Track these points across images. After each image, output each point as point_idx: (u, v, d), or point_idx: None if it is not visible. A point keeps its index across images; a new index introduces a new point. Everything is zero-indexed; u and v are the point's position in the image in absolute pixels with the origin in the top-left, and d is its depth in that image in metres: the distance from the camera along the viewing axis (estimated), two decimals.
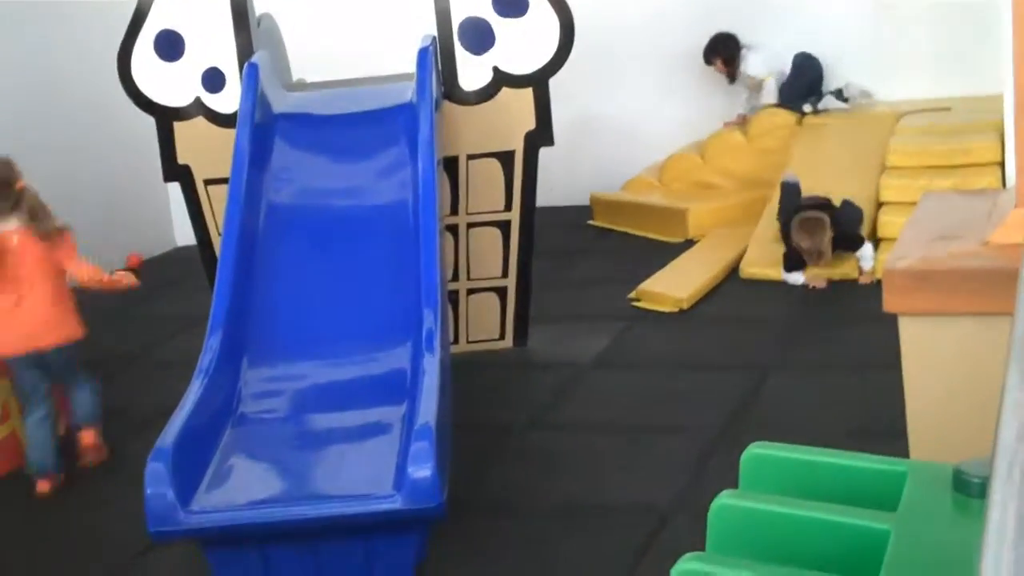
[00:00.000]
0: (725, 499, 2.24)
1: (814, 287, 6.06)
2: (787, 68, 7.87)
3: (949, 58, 7.66)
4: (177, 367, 4.72)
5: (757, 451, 2.41)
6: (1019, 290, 2.13)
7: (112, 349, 6.15)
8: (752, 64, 7.91)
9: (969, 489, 2.14)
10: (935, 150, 6.52)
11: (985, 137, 6.46)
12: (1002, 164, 6.27)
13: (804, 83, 7.82)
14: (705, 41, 8.00)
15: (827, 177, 6.63)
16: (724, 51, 7.95)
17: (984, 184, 6.12)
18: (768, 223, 6.67)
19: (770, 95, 7.88)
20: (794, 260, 6.12)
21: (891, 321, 3.08)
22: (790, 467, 2.36)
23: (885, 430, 3.52)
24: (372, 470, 3.60)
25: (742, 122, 7.97)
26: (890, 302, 3.01)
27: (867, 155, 6.84)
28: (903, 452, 3.08)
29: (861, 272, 6.09)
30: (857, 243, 6.10)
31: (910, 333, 2.99)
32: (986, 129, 6.54)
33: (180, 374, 4.18)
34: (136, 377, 5.78)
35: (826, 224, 6.03)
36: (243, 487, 3.64)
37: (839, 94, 7.81)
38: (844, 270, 6.13)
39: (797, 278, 6.13)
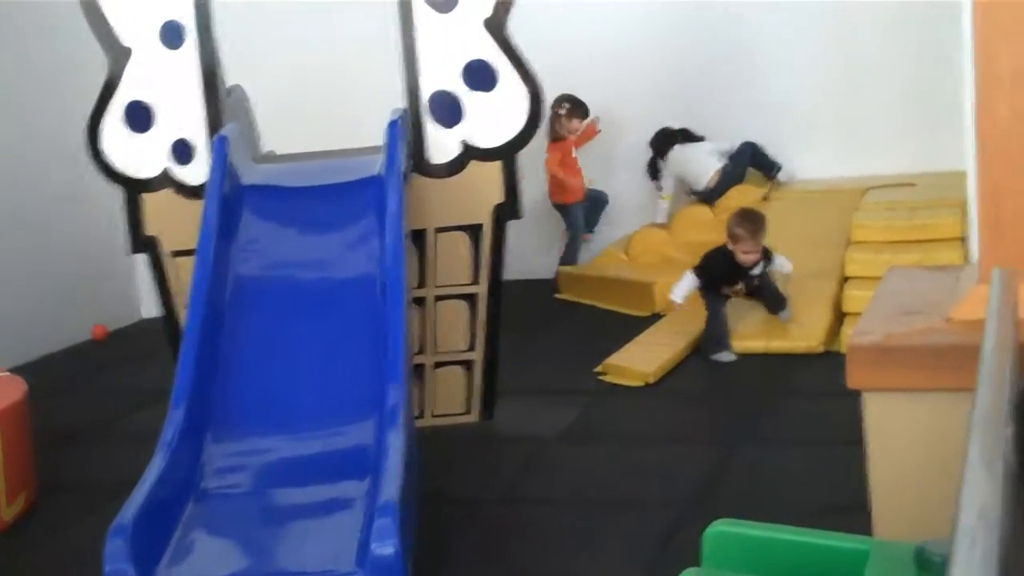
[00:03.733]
0: None
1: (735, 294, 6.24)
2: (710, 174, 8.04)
3: (913, 135, 7.76)
4: (139, 441, 4.67)
5: (720, 529, 2.40)
6: (980, 367, 2.14)
7: (74, 421, 6.09)
8: (663, 179, 8.25)
9: (931, 568, 2.13)
10: (899, 225, 6.58)
11: (949, 213, 6.53)
12: (965, 239, 6.33)
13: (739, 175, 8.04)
14: (670, 116, 8.13)
15: (792, 251, 6.67)
16: (655, 144, 8.24)
17: (948, 259, 6.17)
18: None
19: (661, 215, 8.22)
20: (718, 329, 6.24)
21: (857, 395, 3.08)
22: (753, 545, 2.35)
23: (851, 505, 3.50)
24: (335, 546, 3.57)
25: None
26: (853, 378, 3.02)
27: (832, 230, 6.90)
28: (868, 528, 3.07)
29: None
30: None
31: (873, 409, 3.00)
32: (950, 205, 6.61)
33: (142, 448, 4.14)
34: (98, 450, 5.71)
35: (764, 221, 6.22)
36: (205, 563, 3.59)
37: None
38: (804, 343, 6.12)
39: (728, 356, 6.20)
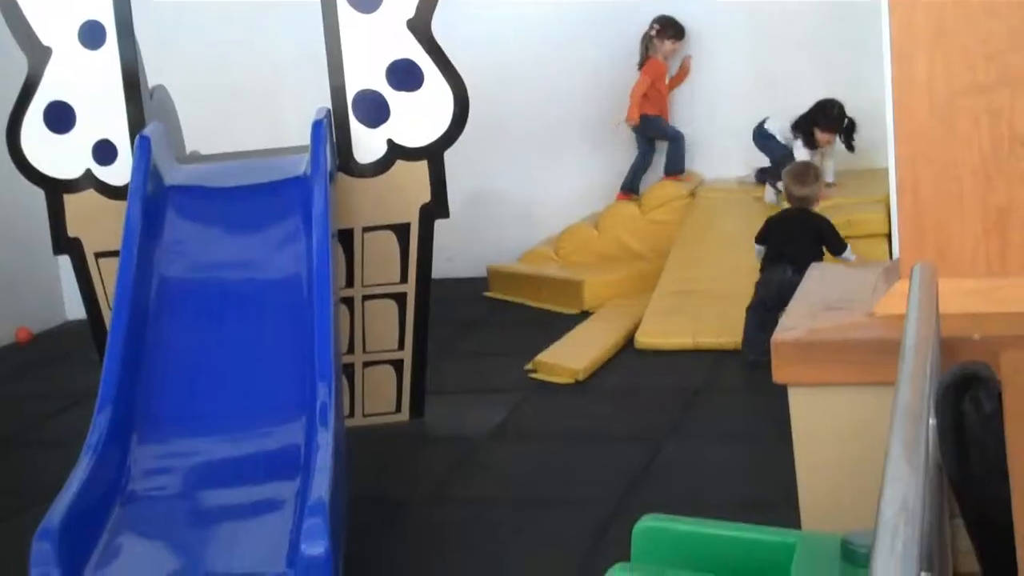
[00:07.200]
0: (617, 573, 2.24)
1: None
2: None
3: None
4: (65, 444, 4.62)
5: (649, 524, 2.42)
6: (901, 361, 2.17)
7: None
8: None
9: (856, 559, 2.16)
10: None
11: (872, 209, 6.61)
12: (888, 236, 6.41)
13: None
14: (603, 111, 8.13)
15: (717, 248, 6.74)
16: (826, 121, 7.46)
17: (872, 255, 6.24)
18: (663, 293, 6.73)
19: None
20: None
21: (783, 390, 3.11)
22: (681, 539, 2.38)
23: (778, 500, 3.55)
24: (265, 547, 3.55)
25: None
26: (778, 373, 3.05)
27: (757, 227, 6.95)
28: (796, 521, 3.11)
29: None
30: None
31: (799, 404, 3.04)
32: (873, 202, 6.69)
33: (68, 451, 4.09)
34: (23, 454, 5.64)
35: (818, 171, 6.16)
36: (133, 566, 3.57)
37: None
38: (731, 339, 6.15)
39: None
